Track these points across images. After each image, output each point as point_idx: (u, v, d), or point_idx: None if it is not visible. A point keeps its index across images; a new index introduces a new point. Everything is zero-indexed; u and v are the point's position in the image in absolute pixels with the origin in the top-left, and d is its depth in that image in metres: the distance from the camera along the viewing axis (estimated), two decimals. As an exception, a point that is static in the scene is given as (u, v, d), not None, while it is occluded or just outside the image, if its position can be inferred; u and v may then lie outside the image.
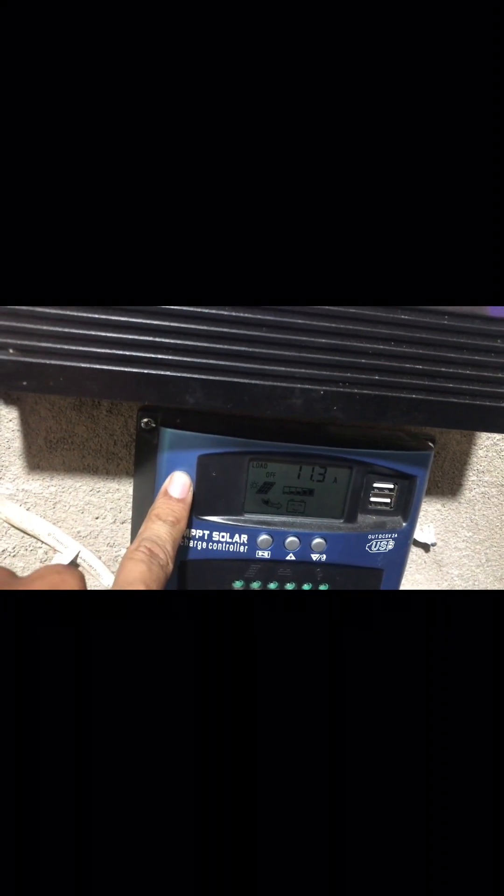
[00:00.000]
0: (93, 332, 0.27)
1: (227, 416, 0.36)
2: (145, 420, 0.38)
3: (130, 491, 0.42)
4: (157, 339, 0.27)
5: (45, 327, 0.26)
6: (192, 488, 0.35)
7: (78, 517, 0.42)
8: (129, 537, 0.43)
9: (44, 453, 0.40)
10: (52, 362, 0.27)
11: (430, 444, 0.40)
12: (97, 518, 0.42)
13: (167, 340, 0.27)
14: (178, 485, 0.35)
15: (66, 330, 0.27)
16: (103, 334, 0.27)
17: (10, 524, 0.41)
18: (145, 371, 0.28)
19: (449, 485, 0.46)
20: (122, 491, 0.42)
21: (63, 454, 0.40)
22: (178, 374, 0.28)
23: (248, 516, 0.37)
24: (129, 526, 0.43)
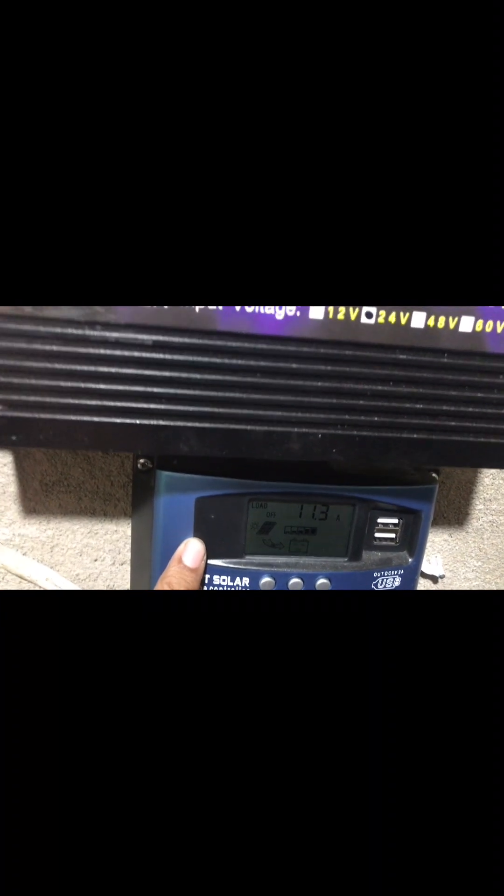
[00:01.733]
0: (82, 385, 0.26)
1: (224, 457, 0.35)
2: (142, 461, 0.37)
3: (129, 532, 0.41)
4: (148, 389, 0.27)
5: (33, 381, 0.26)
6: (205, 557, 0.34)
7: (76, 560, 0.41)
8: (128, 578, 0.42)
9: (40, 497, 0.39)
10: (42, 416, 0.26)
11: (435, 475, 0.39)
12: (96, 560, 0.42)
13: (158, 390, 0.27)
14: (193, 553, 0.34)
15: (55, 383, 0.26)
16: (93, 386, 0.26)
17: (6, 570, 0.40)
18: (137, 421, 0.27)
19: (455, 514, 0.45)
20: (120, 532, 0.41)
21: (59, 497, 0.39)
22: (171, 423, 0.27)
23: (249, 558, 0.36)
24: (128, 567, 0.42)
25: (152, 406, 0.27)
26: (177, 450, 0.28)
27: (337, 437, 0.29)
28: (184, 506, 0.34)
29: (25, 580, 0.40)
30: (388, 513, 0.37)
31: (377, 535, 0.38)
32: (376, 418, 0.29)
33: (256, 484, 0.34)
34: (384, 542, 0.38)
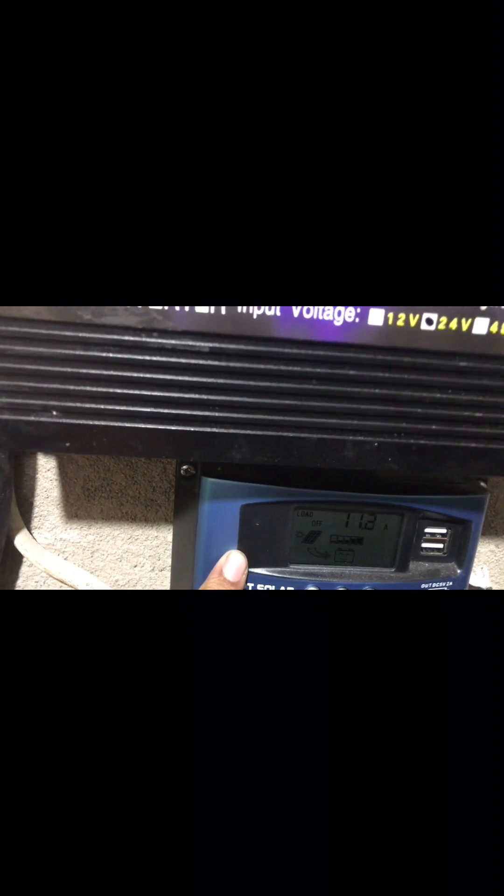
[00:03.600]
0: (137, 392, 0.26)
1: (270, 465, 0.35)
2: (185, 468, 0.37)
3: (169, 538, 0.41)
4: (203, 396, 0.26)
5: (88, 388, 0.26)
6: (246, 571, 0.34)
7: (116, 565, 0.41)
8: (167, 585, 0.42)
9: (82, 502, 0.39)
10: (96, 423, 0.26)
11: (483, 484, 0.38)
12: (135, 566, 0.41)
13: (213, 397, 0.26)
14: (234, 566, 0.33)
15: (111, 390, 0.26)
16: (148, 393, 0.26)
17: (48, 574, 0.40)
18: (191, 429, 0.27)
19: (503, 524, 0.44)
20: (160, 538, 0.41)
21: (101, 502, 0.39)
22: (224, 431, 0.27)
23: (294, 567, 0.35)
24: (167, 574, 0.42)
25: (207, 413, 0.26)
26: (229, 457, 0.27)
27: (392, 446, 0.28)
28: (229, 513, 0.34)
29: (66, 585, 0.40)
30: (437, 523, 0.36)
31: (425, 545, 0.37)
32: (434, 427, 0.28)
33: (302, 492, 0.34)
34: (432, 553, 0.37)
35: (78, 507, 0.39)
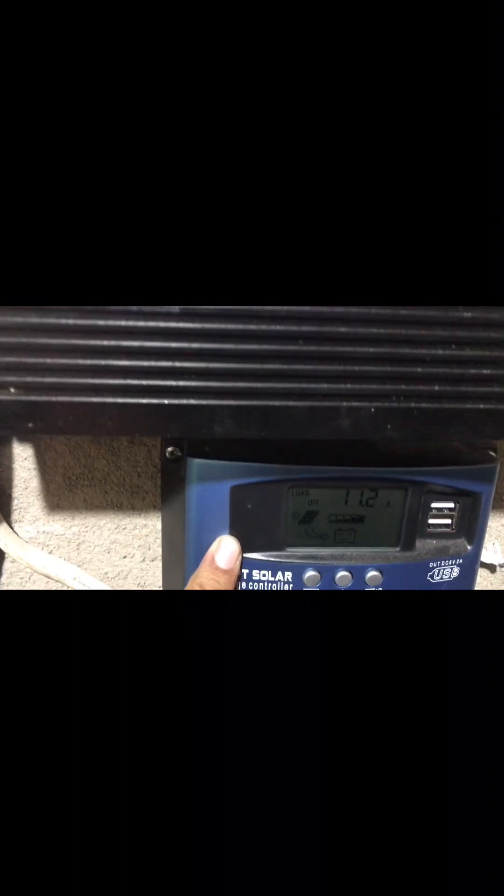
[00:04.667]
0: (102, 362, 0.23)
1: (261, 441, 0.32)
2: (170, 450, 0.34)
3: (159, 526, 0.38)
4: (175, 364, 0.23)
5: (48, 360, 0.23)
6: (240, 557, 0.31)
7: (104, 557, 0.39)
8: (159, 575, 0.40)
9: (63, 492, 0.37)
10: (59, 399, 0.23)
11: (492, 453, 0.35)
12: (125, 557, 0.39)
13: (188, 364, 0.24)
14: (226, 553, 0.31)
15: (73, 361, 0.23)
16: (114, 363, 0.23)
17: (32, 570, 0.38)
18: (165, 401, 0.24)
19: (514, 496, 0.41)
20: (149, 526, 0.38)
21: (84, 491, 0.37)
22: (203, 402, 0.24)
23: (291, 551, 0.33)
24: (159, 563, 0.39)
25: (181, 383, 0.24)
26: (210, 432, 0.25)
27: (392, 411, 0.25)
28: (218, 495, 0.32)
29: (52, 579, 0.38)
30: (444, 496, 0.34)
31: (432, 521, 0.34)
32: (436, 387, 0.25)
33: (297, 469, 0.31)
34: (439, 530, 0.35)
35: (60, 497, 0.37)
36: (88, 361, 0.23)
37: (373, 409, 0.25)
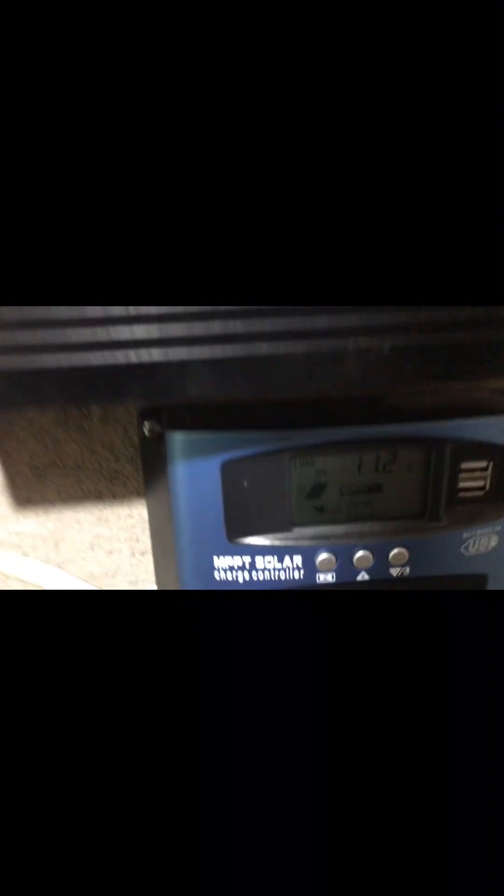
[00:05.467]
0: (38, 311, 0.18)
1: (251, 403, 0.27)
2: (148, 425, 0.29)
3: (146, 515, 0.34)
4: (131, 310, 0.18)
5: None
6: None
7: (88, 555, 0.34)
8: (152, 570, 0.35)
9: (33, 484, 0.32)
10: (-15, 365, 0.18)
11: (527, 399, 0.30)
12: (111, 553, 0.35)
13: (144, 309, 0.18)
14: None
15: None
16: (52, 312, 0.18)
17: (6, 576, 0.33)
18: (119, 358, 0.19)
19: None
20: (135, 516, 0.34)
21: (56, 481, 0.32)
22: (170, 355, 0.19)
23: (299, 531, 0.29)
24: (150, 557, 0.35)
25: (139, 333, 0.19)
26: (183, 393, 0.20)
27: (410, 349, 0.20)
28: (207, 474, 0.27)
29: (30, 586, 0.33)
30: (475, 453, 0.28)
31: (462, 484, 0.29)
32: (467, 312, 0.20)
33: (298, 434, 0.27)
34: (472, 493, 0.30)
35: (29, 490, 0.32)
36: (17, 315, 0.18)
37: (387, 348, 0.20)
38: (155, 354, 0.19)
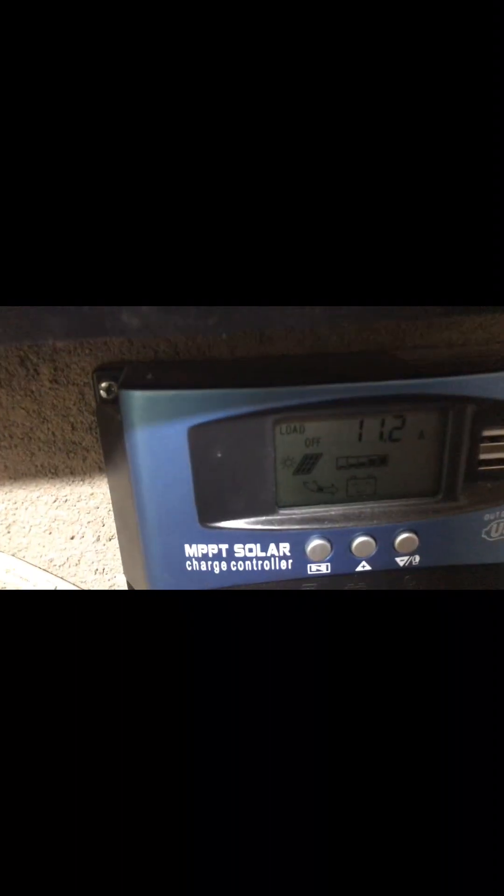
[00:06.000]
0: None
1: (225, 355, 0.22)
2: (104, 385, 0.25)
3: (109, 493, 0.29)
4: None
5: None
6: None
7: (46, 540, 0.30)
8: (119, 557, 0.31)
9: (-26, 458, 0.27)
10: None
11: None
12: (72, 538, 0.30)
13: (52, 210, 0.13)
14: None
15: None
16: None
17: (-51, 565, 0.29)
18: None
19: None
20: (98, 495, 0.29)
21: (3, 455, 0.28)
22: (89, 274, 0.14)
23: (286, 513, 0.25)
24: (117, 542, 0.30)
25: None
26: (118, 327, 0.15)
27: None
28: (171, 441, 0.22)
29: (-23, 576, 0.29)
30: (501, 416, 0.23)
31: (484, 456, 0.24)
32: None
33: (283, 393, 0.22)
34: (493, 466, 0.25)
35: (-29, 465, 0.28)
36: None
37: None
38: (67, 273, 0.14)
